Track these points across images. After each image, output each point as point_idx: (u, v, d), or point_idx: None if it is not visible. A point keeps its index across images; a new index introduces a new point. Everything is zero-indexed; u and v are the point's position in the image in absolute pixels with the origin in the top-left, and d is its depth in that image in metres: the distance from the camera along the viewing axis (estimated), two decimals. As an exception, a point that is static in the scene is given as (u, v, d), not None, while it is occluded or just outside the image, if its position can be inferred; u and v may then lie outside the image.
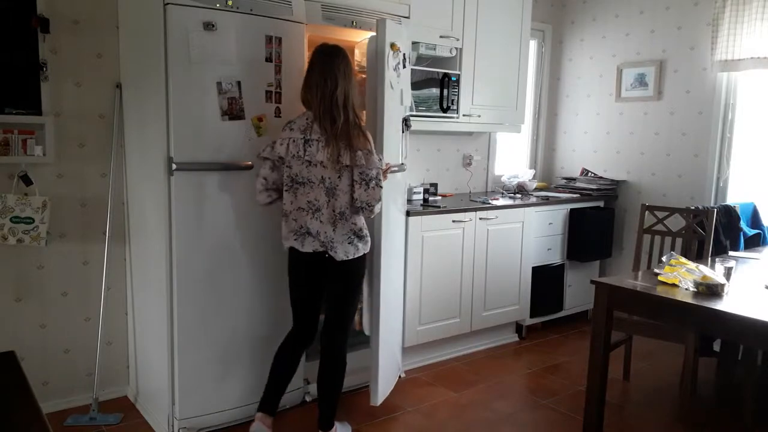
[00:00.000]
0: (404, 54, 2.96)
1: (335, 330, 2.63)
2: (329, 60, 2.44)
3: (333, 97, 2.41)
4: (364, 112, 2.93)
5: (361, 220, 2.54)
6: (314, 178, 2.47)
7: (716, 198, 4.10)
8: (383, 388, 3.00)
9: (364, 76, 2.98)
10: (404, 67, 2.98)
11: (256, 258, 2.81)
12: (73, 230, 2.95)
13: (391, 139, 2.90)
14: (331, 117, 2.41)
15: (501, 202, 4.07)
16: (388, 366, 3.06)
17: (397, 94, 2.93)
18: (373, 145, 2.49)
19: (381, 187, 2.48)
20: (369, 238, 2.60)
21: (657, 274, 2.61)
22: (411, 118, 3.44)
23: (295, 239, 2.54)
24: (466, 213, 3.73)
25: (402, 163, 3.10)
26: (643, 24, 4.41)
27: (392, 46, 2.80)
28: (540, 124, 5.08)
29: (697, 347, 3.12)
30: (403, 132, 3.09)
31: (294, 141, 2.47)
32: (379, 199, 2.48)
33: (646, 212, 3.65)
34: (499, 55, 4.10)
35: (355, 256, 2.53)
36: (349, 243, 2.51)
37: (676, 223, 3.56)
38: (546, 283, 4.31)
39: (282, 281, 2.75)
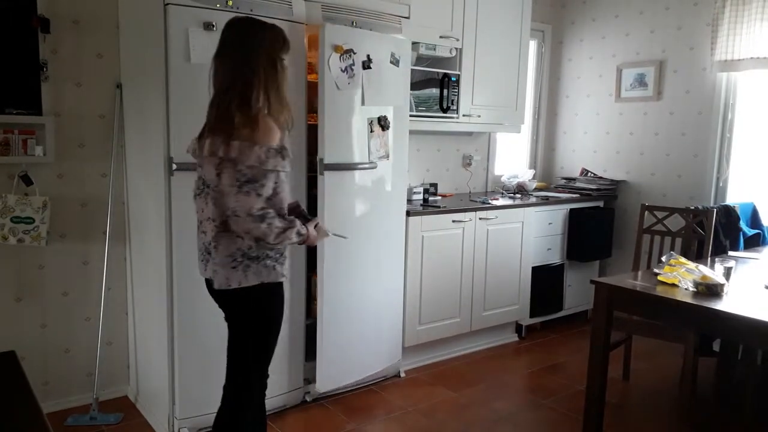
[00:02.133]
0: (368, 55, 2.99)
1: (230, 384, 2.12)
2: (223, 34, 1.98)
3: (217, 77, 1.96)
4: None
5: (256, 227, 1.87)
6: (204, 181, 1.99)
7: (716, 198, 4.10)
8: (328, 376, 3.04)
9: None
10: (367, 68, 3.00)
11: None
12: (74, 230, 2.95)
13: (344, 139, 2.97)
14: (212, 102, 1.97)
15: (501, 202, 4.07)
16: (339, 354, 3.08)
17: (353, 94, 2.97)
18: (270, 140, 1.88)
19: (259, 195, 1.85)
20: (273, 263, 1.98)
21: (657, 274, 2.62)
22: (412, 119, 3.45)
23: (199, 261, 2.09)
24: (466, 213, 3.73)
25: (372, 161, 3.11)
26: (642, 24, 4.41)
27: (337, 48, 2.84)
28: (540, 125, 5.08)
29: (696, 347, 3.12)
30: (371, 131, 3.10)
31: (197, 135, 2.03)
32: (251, 211, 1.84)
33: (646, 212, 3.66)
34: (498, 56, 4.10)
35: (241, 285, 1.94)
36: (233, 267, 1.93)
37: (676, 223, 3.56)
38: (546, 282, 4.31)
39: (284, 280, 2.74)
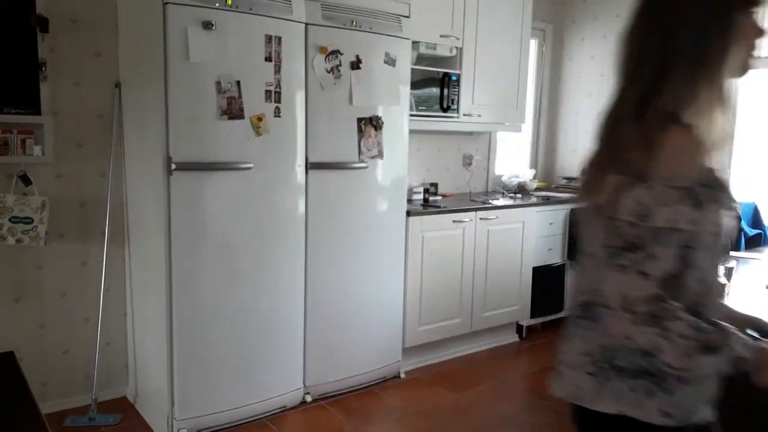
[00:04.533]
0: (357, 55, 3.03)
1: None
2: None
3: (618, 68, 1.18)
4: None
5: (640, 332, 1.06)
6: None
7: (717, 198, 4.09)
8: (318, 375, 3.14)
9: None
10: (356, 68, 3.04)
11: (255, 258, 2.80)
12: (72, 230, 2.94)
13: (331, 138, 3.02)
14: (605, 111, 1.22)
15: (501, 202, 4.06)
16: (329, 354, 3.15)
17: (341, 94, 3.02)
18: (676, 169, 1.04)
19: (644, 273, 1.04)
20: (654, 386, 1.12)
21: (658, 275, 2.60)
22: (412, 118, 3.44)
23: None
24: (467, 213, 3.72)
25: (362, 161, 3.15)
26: (643, 23, 4.40)
27: (321, 49, 2.90)
28: (540, 124, 5.07)
29: (697, 348, 3.11)
30: (362, 131, 3.13)
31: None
32: (628, 304, 1.05)
33: (647, 212, 3.64)
34: (499, 55, 4.09)
35: (593, 407, 1.18)
36: (589, 373, 1.21)
37: (677, 223, 3.55)
38: (546, 283, 4.30)
39: (283, 281, 2.73)
